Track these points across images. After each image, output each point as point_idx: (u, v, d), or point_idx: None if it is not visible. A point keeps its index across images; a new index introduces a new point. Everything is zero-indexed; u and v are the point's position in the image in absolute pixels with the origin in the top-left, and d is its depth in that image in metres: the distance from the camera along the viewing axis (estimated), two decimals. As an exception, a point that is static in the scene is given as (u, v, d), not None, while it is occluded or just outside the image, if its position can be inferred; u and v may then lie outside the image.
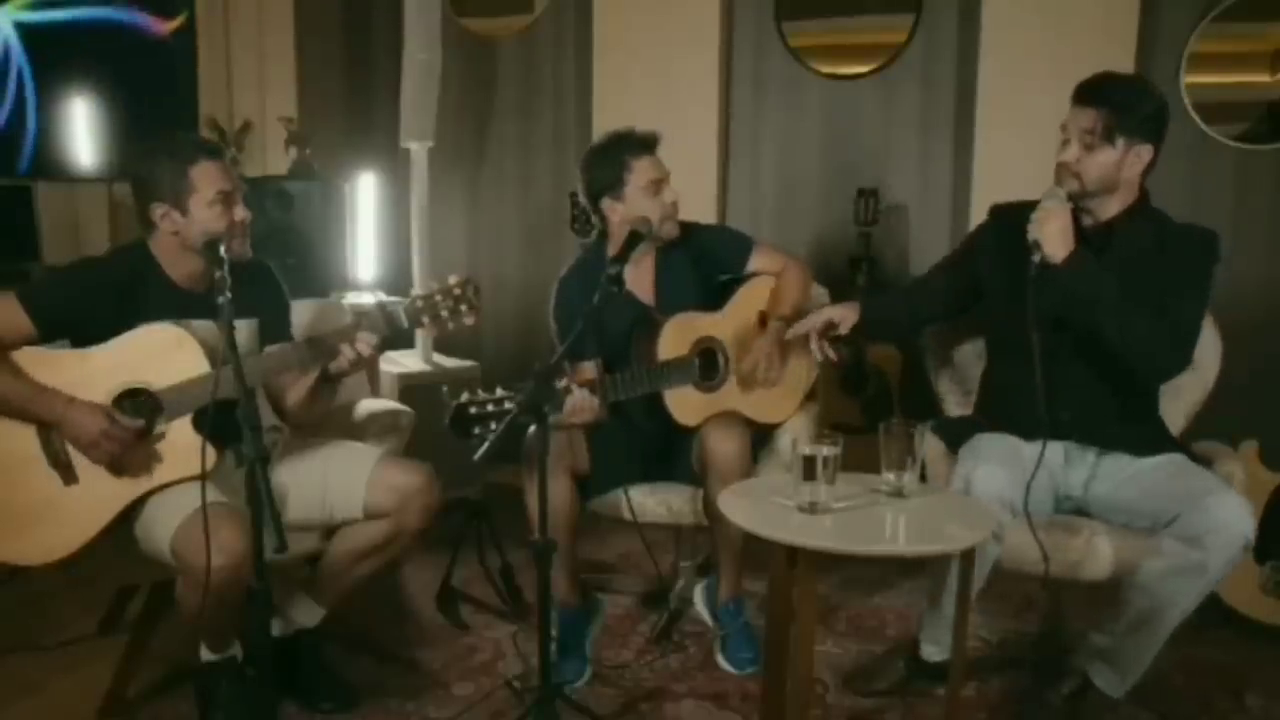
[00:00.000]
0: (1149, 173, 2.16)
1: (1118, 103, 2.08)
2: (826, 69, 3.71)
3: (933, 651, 2.33)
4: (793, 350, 2.61)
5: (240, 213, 2.13)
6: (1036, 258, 2.08)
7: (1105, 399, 2.20)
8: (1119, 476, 2.19)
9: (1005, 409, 2.28)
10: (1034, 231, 2.09)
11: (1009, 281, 2.17)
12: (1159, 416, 2.30)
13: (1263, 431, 2.64)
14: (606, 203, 2.50)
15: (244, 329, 2.20)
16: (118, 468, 2.05)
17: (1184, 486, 2.07)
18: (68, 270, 2.24)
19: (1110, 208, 2.16)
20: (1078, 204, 2.15)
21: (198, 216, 2.09)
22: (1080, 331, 2.13)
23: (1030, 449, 2.14)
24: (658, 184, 2.46)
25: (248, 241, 2.17)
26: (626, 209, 2.47)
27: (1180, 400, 2.39)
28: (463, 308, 2.15)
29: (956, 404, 2.57)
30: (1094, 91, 2.11)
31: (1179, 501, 2.03)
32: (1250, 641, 2.62)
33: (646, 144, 2.49)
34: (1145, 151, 2.11)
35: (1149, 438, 2.21)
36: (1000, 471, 2.09)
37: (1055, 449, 2.19)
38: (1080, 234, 2.13)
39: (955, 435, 2.33)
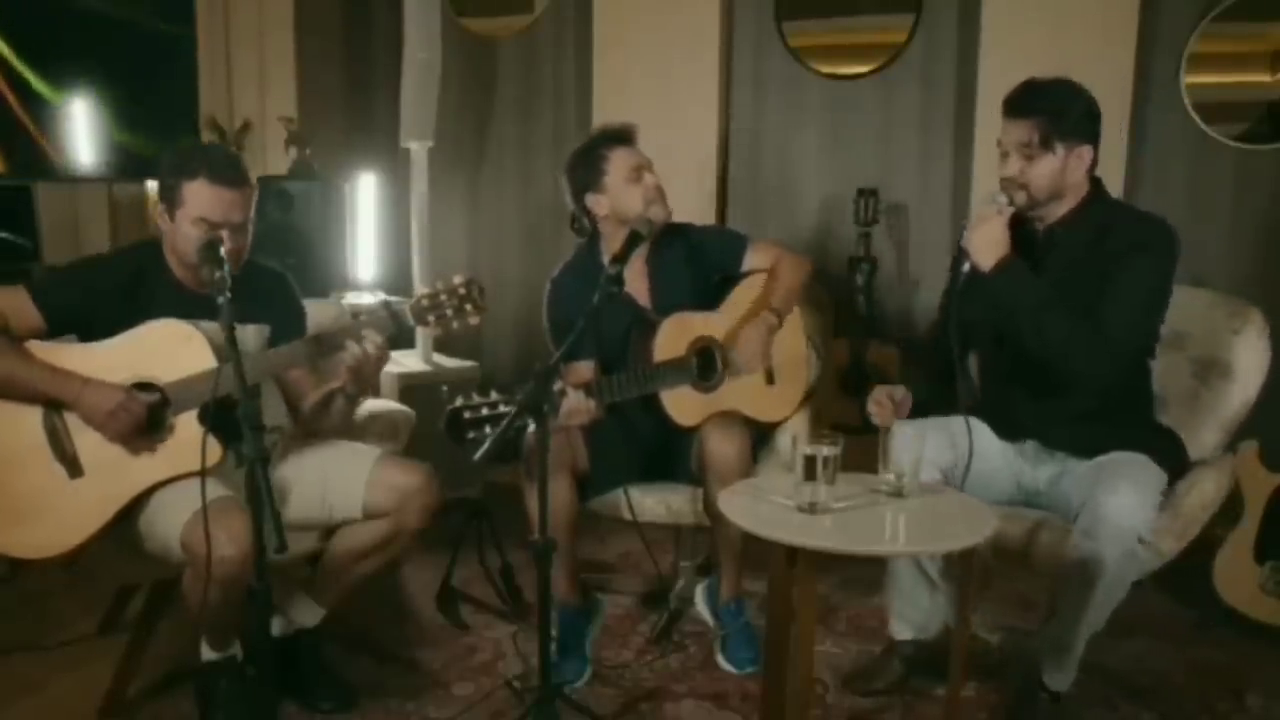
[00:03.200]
0: (1093, 170, 2.17)
1: (1049, 109, 2.09)
2: (826, 69, 3.72)
3: (899, 629, 2.37)
4: (787, 347, 2.61)
5: (224, 244, 2.05)
6: (965, 266, 2.12)
7: (1055, 401, 2.20)
8: (1072, 474, 2.20)
9: (978, 410, 2.33)
10: (965, 237, 2.12)
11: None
12: (1135, 416, 2.24)
13: (1263, 431, 2.63)
14: (591, 198, 2.50)
15: (254, 334, 2.21)
16: (127, 452, 2.05)
17: (1092, 479, 2.08)
18: (78, 265, 2.28)
19: (1058, 211, 2.17)
20: (1026, 213, 2.16)
21: (180, 229, 2.10)
22: (1008, 335, 2.15)
23: (1000, 448, 2.25)
24: (637, 170, 2.47)
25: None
26: (610, 200, 2.48)
27: (1217, 412, 2.32)
28: (467, 307, 2.14)
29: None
30: (1024, 102, 2.11)
31: (1084, 494, 2.06)
32: (1250, 641, 2.62)
33: (620, 136, 2.51)
34: (1086, 152, 2.12)
35: (1098, 438, 2.17)
36: (913, 432, 2.15)
37: (1023, 446, 2.26)
38: (1029, 239, 2.16)
39: None
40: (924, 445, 2.10)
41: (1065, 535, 2.12)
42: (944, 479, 2.17)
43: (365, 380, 2.17)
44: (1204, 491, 2.21)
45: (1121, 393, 2.20)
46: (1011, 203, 2.14)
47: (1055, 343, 2.06)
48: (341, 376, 2.14)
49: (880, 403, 2.26)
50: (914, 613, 2.34)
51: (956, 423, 2.25)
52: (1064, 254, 2.15)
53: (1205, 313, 2.37)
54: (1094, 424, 2.19)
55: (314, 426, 2.29)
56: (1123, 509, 1.97)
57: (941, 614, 2.35)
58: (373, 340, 2.09)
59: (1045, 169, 2.11)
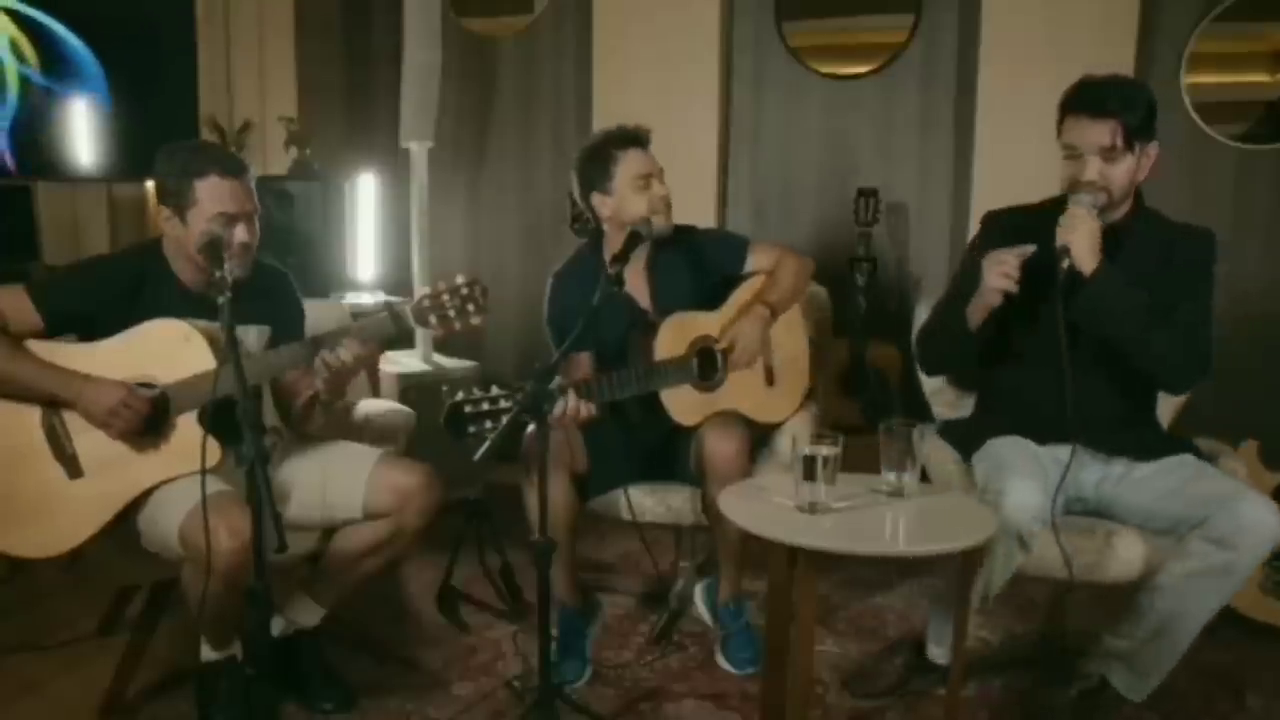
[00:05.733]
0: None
1: (1125, 107, 2.05)
2: (826, 69, 3.72)
3: (939, 654, 2.32)
4: (788, 346, 2.61)
5: (241, 235, 2.10)
6: (1065, 263, 2.05)
7: (1108, 403, 2.19)
8: (1129, 479, 2.18)
9: (1018, 413, 2.25)
10: (1063, 236, 2.05)
11: (1018, 285, 2.11)
12: (1157, 419, 2.30)
13: (1263, 431, 2.63)
14: (596, 198, 2.49)
15: (254, 335, 2.21)
16: (126, 453, 2.05)
17: (1210, 489, 2.05)
18: (78, 267, 2.29)
19: (1117, 214, 2.15)
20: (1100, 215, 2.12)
21: (194, 229, 2.09)
22: (1094, 339, 2.11)
23: (1045, 452, 2.16)
24: (646, 178, 2.45)
25: (248, 263, 2.15)
26: (616, 203, 2.47)
27: (1169, 399, 2.37)
28: (470, 307, 2.12)
29: (947, 405, 2.57)
30: (1102, 100, 2.06)
31: (1206, 504, 2.01)
32: (1250, 641, 2.62)
33: (634, 139, 2.49)
34: (1153, 150, 2.11)
35: (1149, 442, 2.20)
36: (1031, 484, 2.04)
37: (1066, 451, 2.14)
38: None
39: (963, 439, 2.33)
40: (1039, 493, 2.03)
41: (1153, 542, 2.10)
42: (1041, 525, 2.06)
43: (339, 386, 2.15)
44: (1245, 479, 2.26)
45: (1152, 396, 2.22)
46: (1094, 204, 2.08)
47: (1161, 353, 2.06)
48: (315, 384, 2.13)
49: (1006, 271, 2.09)
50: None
51: (1044, 454, 2.18)
52: (1129, 258, 2.10)
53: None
54: (1143, 428, 2.20)
55: (300, 429, 2.30)
56: (1268, 516, 1.96)
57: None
58: (349, 350, 2.06)
59: (1125, 170, 2.08)
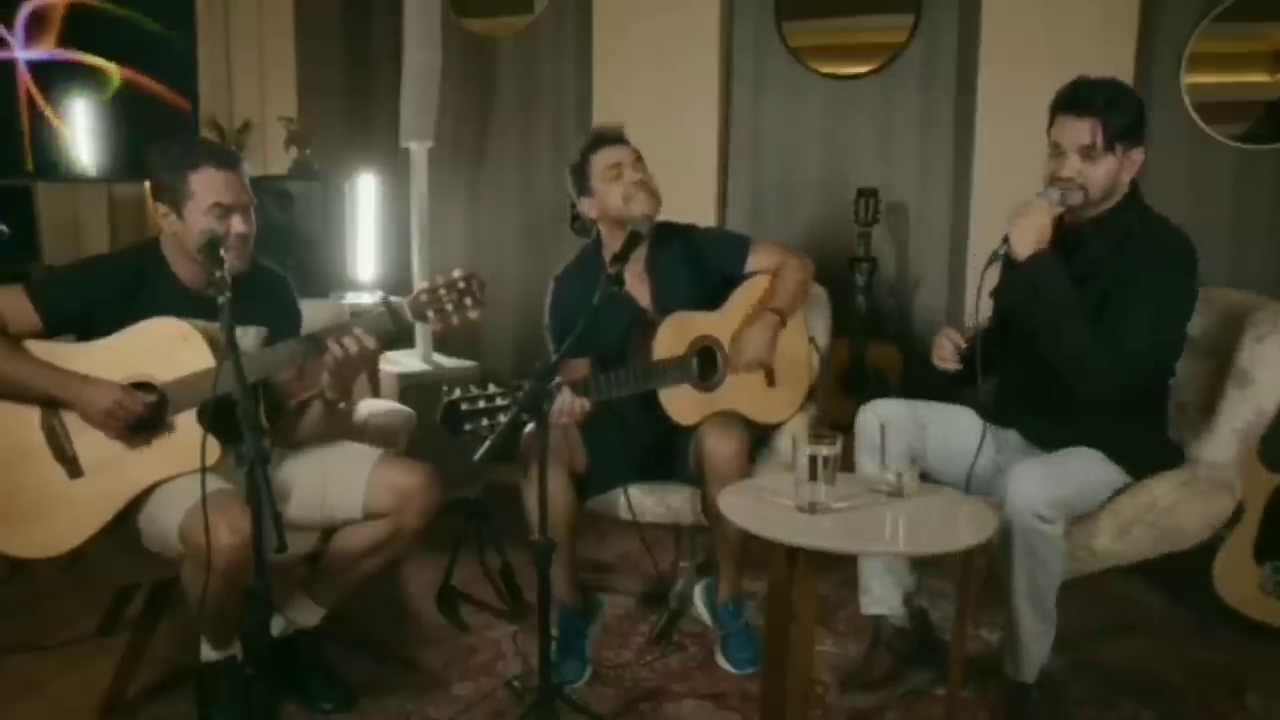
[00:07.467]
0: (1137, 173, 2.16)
1: (1110, 108, 2.07)
2: (826, 69, 3.72)
3: (868, 603, 2.38)
4: (789, 348, 2.61)
5: (238, 226, 2.10)
6: (1002, 249, 2.11)
7: (1032, 392, 2.22)
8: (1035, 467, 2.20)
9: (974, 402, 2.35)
10: (1009, 223, 2.11)
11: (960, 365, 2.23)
12: (1114, 420, 2.17)
13: (1262, 432, 2.63)
14: (584, 203, 2.55)
15: (252, 335, 2.20)
16: (126, 452, 2.05)
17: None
18: (77, 267, 2.28)
19: (1094, 211, 2.15)
20: (1078, 213, 2.14)
21: (192, 223, 2.09)
22: (1024, 328, 2.14)
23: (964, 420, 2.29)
24: (615, 168, 2.48)
25: (246, 255, 2.15)
26: (598, 201, 2.51)
27: (1232, 422, 2.26)
28: (467, 301, 2.12)
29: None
30: (1087, 100, 2.08)
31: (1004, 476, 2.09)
32: (1250, 641, 2.62)
33: (603, 138, 2.54)
34: (1138, 155, 2.11)
35: (1061, 435, 2.18)
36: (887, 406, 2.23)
37: (1005, 434, 2.28)
38: (1060, 233, 2.14)
39: None
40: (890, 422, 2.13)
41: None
42: (911, 458, 2.12)
43: (345, 382, 2.15)
44: (1150, 494, 2.16)
45: (1114, 400, 2.16)
46: (1063, 201, 2.10)
47: (1070, 351, 2.05)
48: (320, 379, 2.13)
49: (945, 355, 2.23)
50: (879, 588, 2.35)
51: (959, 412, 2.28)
52: (1088, 254, 2.13)
53: (1227, 317, 2.33)
54: (1065, 419, 2.18)
55: (290, 436, 2.27)
56: (1021, 484, 2.00)
57: (903, 585, 2.36)
58: (356, 339, 2.07)
59: (1104, 170, 2.09)
